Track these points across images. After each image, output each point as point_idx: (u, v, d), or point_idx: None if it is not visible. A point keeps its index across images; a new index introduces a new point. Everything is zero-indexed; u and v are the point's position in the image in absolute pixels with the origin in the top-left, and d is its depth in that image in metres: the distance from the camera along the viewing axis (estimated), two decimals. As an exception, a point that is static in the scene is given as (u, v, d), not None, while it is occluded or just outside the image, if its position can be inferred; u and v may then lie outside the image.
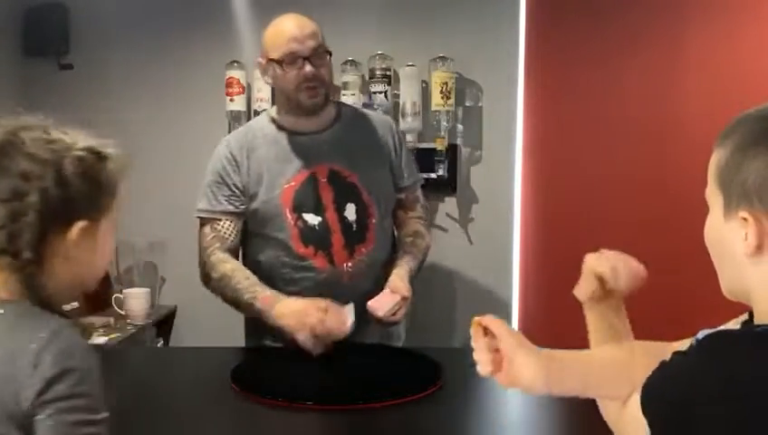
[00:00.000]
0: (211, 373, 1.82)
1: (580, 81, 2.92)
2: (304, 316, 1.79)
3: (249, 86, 3.08)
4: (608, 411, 1.08)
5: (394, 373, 1.77)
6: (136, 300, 2.91)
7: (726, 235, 0.93)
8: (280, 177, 1.98)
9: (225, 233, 2.01)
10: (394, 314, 1.89)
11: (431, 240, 2.18)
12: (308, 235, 1.96)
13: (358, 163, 2.02)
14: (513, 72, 3.04)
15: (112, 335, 2.68)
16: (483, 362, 1.01)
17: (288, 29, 1.95)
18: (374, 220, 2.00)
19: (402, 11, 3.08)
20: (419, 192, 2.19)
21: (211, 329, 2.76)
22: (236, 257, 2.04)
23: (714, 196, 0.95)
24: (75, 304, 2.70)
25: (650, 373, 0.90)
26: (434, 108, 2.99)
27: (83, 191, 1.07)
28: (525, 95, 3.03)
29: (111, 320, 2.82)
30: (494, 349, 1.00)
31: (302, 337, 1.78)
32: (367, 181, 2.01)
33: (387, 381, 1.71)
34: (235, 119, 3.04)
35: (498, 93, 3.07)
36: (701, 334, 0.90)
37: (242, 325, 2.15)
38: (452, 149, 3.04)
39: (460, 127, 3.09)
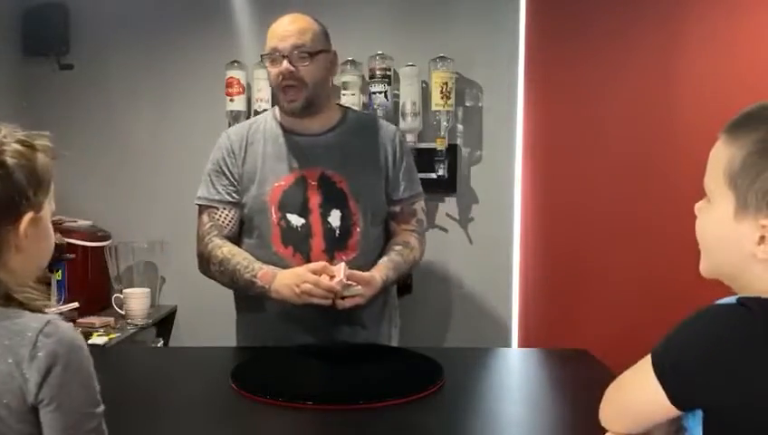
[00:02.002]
0: (211, 373, 1.82)
1: (580, 80, 2.92)
2: (299, 286, 1.83)
3: (249, 86, 3.08)
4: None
5: (394, 373, 1.77)
6: (136, 300, 2.91)
7: (734, 235, 0.94)
8: (271, 175, 2.00)
9: (222, 222, 2.04)
10: (345, 297, 1.84)
11: (421, 255, 2.12)
12: (289, 235, 1.97)
13: (351, 170, 2.01)
14: (513, 72, 3.04)
15: (112, 335, 2.68)
16: None
17: (277, 27, 1.97)
18: (358, 229, 1.99)
19: (402, 11, 3.08)
20: (418, 206, 2.13)
21: (211, 329, 2.75)
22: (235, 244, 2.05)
23: (720, 193, 0.95)
24: (75, 305, 2.71)
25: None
26: (434, 108, 2.99)
27: (26, 184, 1.04)
28: (525, 95, 3.03)
29: (111, 320, 2.82)
30: None
31: (306, 300, 1.83)
32: (356, 189, 2.00)
33: (387, 381, 1.71)
34: (235, 119, 3.04)
35: (498, 93, 3.07)
36: (731, 299, 0.92)
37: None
38: (452, 150, 3.04)
39: (460, 127, 3.09)
